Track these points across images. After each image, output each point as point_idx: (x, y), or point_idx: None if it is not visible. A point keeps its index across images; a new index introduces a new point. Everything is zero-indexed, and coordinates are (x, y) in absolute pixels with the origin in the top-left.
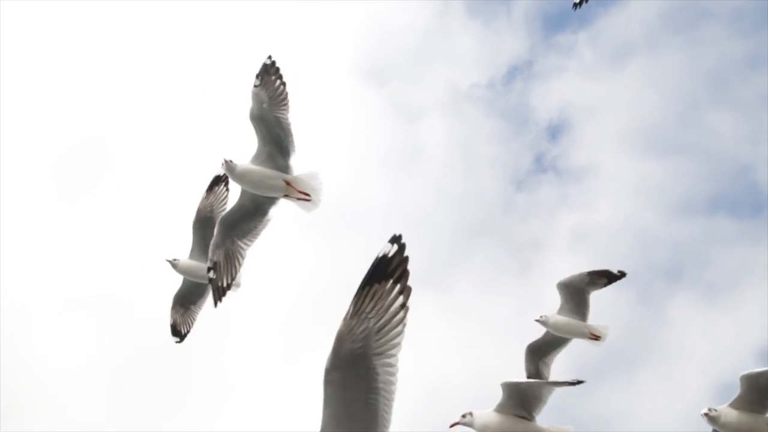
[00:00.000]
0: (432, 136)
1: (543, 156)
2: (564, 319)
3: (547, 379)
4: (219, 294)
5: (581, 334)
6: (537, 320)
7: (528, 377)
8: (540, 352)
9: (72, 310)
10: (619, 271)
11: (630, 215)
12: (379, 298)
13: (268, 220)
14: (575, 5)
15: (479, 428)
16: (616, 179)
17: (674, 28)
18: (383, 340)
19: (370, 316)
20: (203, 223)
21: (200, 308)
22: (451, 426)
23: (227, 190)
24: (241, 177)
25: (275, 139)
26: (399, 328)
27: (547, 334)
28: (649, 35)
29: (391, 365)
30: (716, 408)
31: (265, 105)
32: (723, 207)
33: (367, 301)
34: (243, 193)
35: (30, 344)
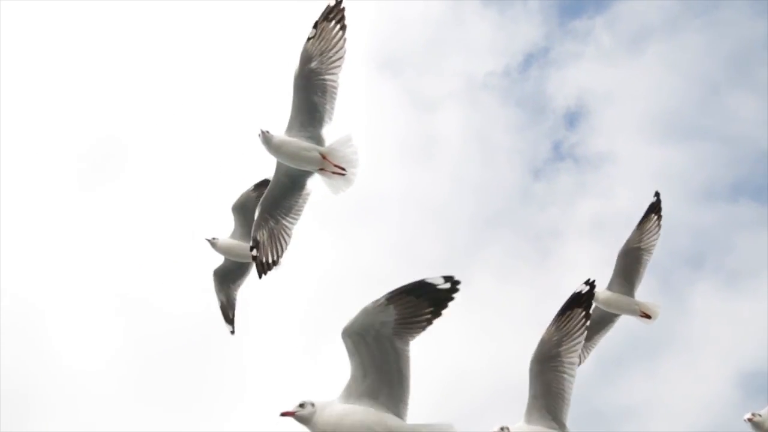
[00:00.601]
0: (448, 126)
1: (561, 144)
2: (614, 295)
3: (584, 359)
4: (263, 269)
5: (631, 312)
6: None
7: None
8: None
9: (89, 306)
10: (656, 194)
11: (649, 202)
12: (411, 306)
13: (308, 194)
14: None
15: None
16: (635, 166)
17: (693, 11)
18: (401, 331)
19: (396, 315)
20: (244, 207)
21: (239, 287)
22: None
23: None
24: (278, 149)
25: (310, 107)
26: (420, 331)
27: (593, 312)
28: (667, 18)
29: (405, 347)
30: (760, 413)
31: (314, 63)
32: (745, 192)
33: (402, 303)
34: (278, 168)
35: (47, 341)
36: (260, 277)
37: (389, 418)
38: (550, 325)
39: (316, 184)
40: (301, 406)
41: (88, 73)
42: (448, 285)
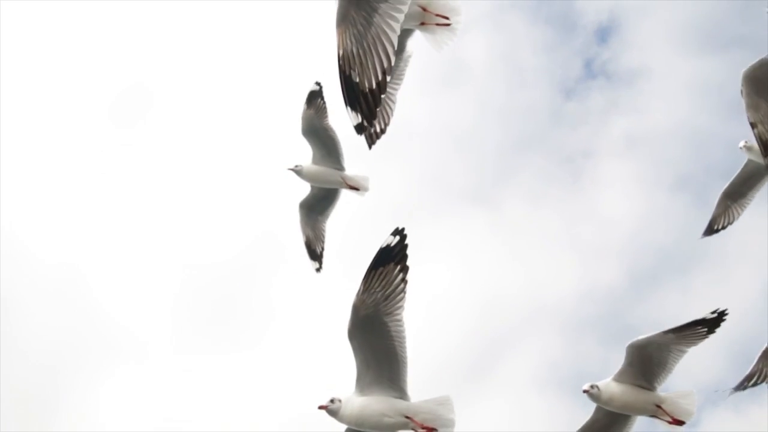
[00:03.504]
0: (473, 49)
1: (592, 61)
2: None
3: (738, 216)
4: (371, 140)
5: None
6: (741, 147)
7: (712, 220)
8: (735, 194)
9: (132, 261)
10: None
11: (684, 116)
12: (384, 277)
13: (409, 56)
14: None
15: (605, 400)
16: (669, 80)
17: None
18: (390, 305)
19: (377, 290)
20: (311, 128)
21: (327, 218)
22: (585, 391)
23: (324, 102)
24: None
25: None
26: (401, 295)
27: (745, 168)
28: None
29: (398, 320)
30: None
31: None
32: None
33: (374, 280)
34: None
35: (92, 292)
36: (370, 147)
37: (396, 402)
38: (664, 331)
39: (417, 44)
40: (332, 401)
41: (114, 23)
42: (398, 238)
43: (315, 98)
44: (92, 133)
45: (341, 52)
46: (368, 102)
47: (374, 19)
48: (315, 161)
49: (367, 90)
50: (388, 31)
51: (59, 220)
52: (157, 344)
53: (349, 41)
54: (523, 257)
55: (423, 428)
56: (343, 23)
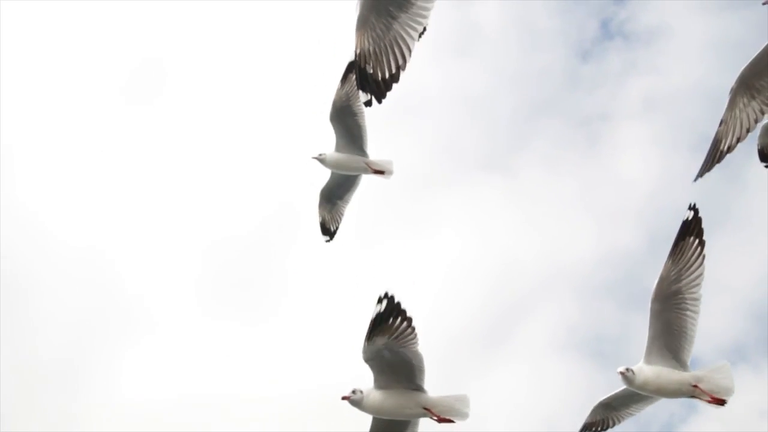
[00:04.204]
0: (487, 13)
1: (609, 21)
2: None
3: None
4: (380, 89)
5: None
6: None
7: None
8: (753, 87)
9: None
10: None
11: (703, 76)
12: (389, 328)
13: None
14: None
15: (639, 385)
16: (690, 39)
17: None
18: (402, 341)
19: (384, 336)
20: (341, 113)
21: (347, 203)
22: (620, 372)
23: None
24: None
25: None
26: (412, 334)
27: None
28: None
29: (413, 345)
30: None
31: None
32: None
33: (379, 332)
34: None
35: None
36: (379, 101)
37: (416, 395)
38: (666, 261)
39: None
40: (353, 392)
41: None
42: (385, 303)
43: (351, 71)
44: (107, 113)
45: (358, 51)
46: (380, 87)
47: (393, 26)
48: (338, 149)
49: (380, 79)
50: (406, 37)
51: (78, 201)
52: (177, 317)
53: (367, 42)
54: (539, 222)
55: (441, 420)
56: (362, 27)
